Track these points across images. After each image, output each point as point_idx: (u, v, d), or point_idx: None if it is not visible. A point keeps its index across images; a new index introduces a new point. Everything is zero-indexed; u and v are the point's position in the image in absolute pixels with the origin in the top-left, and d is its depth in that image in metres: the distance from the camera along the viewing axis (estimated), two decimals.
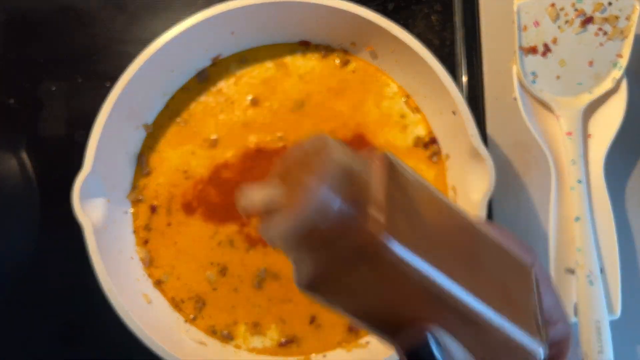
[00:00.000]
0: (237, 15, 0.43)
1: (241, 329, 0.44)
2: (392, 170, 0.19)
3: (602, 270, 0.42)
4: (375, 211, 0.17)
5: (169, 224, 0.45)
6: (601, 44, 0.44)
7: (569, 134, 0.44)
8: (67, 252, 0.47)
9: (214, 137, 0.46)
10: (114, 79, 0.42)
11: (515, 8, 0.44)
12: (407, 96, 0.46)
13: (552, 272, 0.42)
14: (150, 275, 0.45)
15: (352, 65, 0.47)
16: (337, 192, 0.17)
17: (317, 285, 0.18)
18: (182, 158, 0.46)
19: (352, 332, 0.43)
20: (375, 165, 0.19)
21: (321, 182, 0.16)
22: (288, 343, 0.43)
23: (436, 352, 0.16)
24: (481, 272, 0.19)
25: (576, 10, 0.44)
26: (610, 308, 0.41)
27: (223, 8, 0.42)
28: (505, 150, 0.47)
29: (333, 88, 0.47)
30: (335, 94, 0.46)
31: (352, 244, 0.17)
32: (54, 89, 0.51)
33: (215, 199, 0.45)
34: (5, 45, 0.52)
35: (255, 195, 0.18)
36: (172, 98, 0.47)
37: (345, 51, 0.47)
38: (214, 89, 0.47)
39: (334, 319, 0.44)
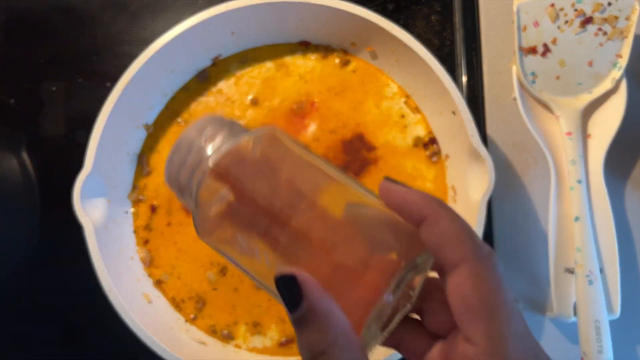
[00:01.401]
0: (238, 16, 0.43)
1: (241, 328, 0.44)
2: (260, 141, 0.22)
3: (601, 270, 0.42)
4: (210, 160, 0.21)
5: (169, 224, 0.45)
6: (601, 44, 0.44)
7: (569, 134, 0.44)
8: (67, 252, 0.47)
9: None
10: (114, 79, 0.42)
11: (514, 8, 0.44)
12: (407, 96, 0.46)
13: (552, 271, 0.42)
14: (150, 275, 0.45)
15: (352, 66, 0.47)
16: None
17: (201, 232, 0.22)
18: None
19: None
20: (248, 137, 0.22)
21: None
22: (288, 343, 0.43)
23: (283, 289, 0.19)
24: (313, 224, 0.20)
25: (576, 10, 0.44)
26: (609, 308, 0.41)
27: (223, 8, 0.42)
28: (505, 150, 0.47)
29: (333, 88, 0.47)
30: (335, 94, 0.47)
31: (199, 189, 0.22)
32: (54, 89, 0.51)
33: None
34: (6, 45, 0.52)
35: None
36: (173, 98, 0.47)
37: (345, 51, 0.47)
38: (214, 89, 0.47)
39: None
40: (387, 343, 0.22)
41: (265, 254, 0.21)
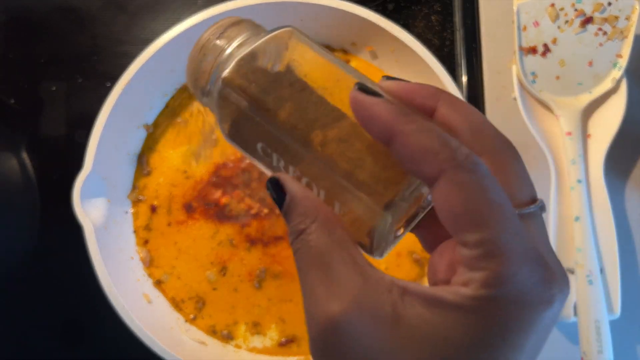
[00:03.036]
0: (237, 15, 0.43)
1: (241, 328, 0.44)
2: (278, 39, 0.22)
3: (601, 270, 0.42)
4: (226, 65, 0.21)
5: (169, 224, 0.45)
6: (601, 44, 0.44)
7: (569, 134, 0.44)
8: (67, 252, 0.47)
9: (213, 137, 0.46)
10: (114, 79, 0.42)
11: (515, 8, 0.44)
12: None
13: None
14: (150, 275, 0.45)
15: (353, 65, 0.47)
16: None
17: (228, 132, 0.22)
18: (182, 158, 0.46)
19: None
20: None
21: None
22: (288, 343, 0.43)
23: (271, 190, 0.21)
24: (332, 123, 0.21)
25: (576, 10, 0.44)
26: (609, 308, 0.41)
27: (223, 8, 0.42)
28: None
29: None
30: None
31: (218, 92, 0.22)
32: (54, 89, 0.51)
33: (216, 198, 0.45)
34: (6, 45, 0.52)
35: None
36: (172, 98, 0.47)
37: (345, 51, 0.47)
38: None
39: None
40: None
41: (287, 166, 0.21)
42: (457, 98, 0.22)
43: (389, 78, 0.22)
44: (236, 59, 0.21)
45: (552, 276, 0.18)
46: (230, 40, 0.22)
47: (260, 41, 0.22)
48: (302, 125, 0.21)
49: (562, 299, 0.18)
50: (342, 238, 0.19)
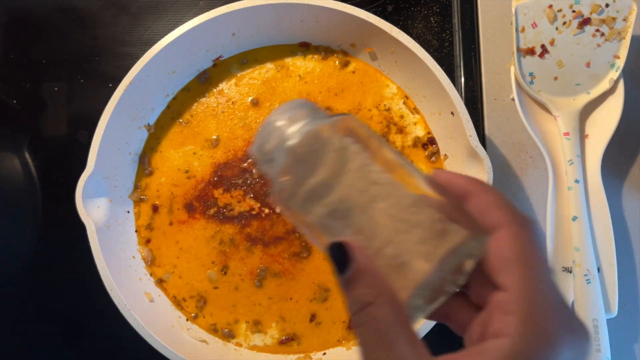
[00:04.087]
0: (238, 17, 0.43)
1: (242, 327, 0.44)
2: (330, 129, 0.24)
3: (599, 269, 0.42)
4: (290, 139, 0.23)
5: (170, 223, 0.46)
6: (598, 45, 0.44)
7: (567, 134, 0.44)
8: (69, 251, 0.47)
9: (215, 137, 0.47)
10: (115, 79, 0.43)
11: (513, 10, 0.44)
12: (406, 97, 0.46)
13: None
14: (152, 274, 0.45)
15: (352, 66, 0.47)
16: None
17: (282, 199, 0.24)
18: (184, 158, 0.47)
19: (352, 330, 0.44)
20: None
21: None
22: (288, 341, 0.44)
23: (333, 254, 0.21)
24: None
25: (574, 11, 0.44)
26: (607, 307, 0.41)
27: (224, 10, 0.43)
28: (503, 150, 0.47)
29: (333, 89, 0.47)
30: (335, 94, 0.47)
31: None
32: (56, 89, 0.51)
33: (217, 198, 0.46)
34: (8, 45, 0.53)
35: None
36: (174, 99, 0.47)
37: (345, 52, 0.48)
38: (215, 90, 0.48)
39: (334, 317, 0.44)
40: (434, 317, 0.24)
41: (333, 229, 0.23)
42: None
43: (437, 169, 0.24)
44: (303, 133, 0.23)
45: (576, 328, 0.20)
46: (293, 120, 0.24)
47: (324, 123, 0.24)
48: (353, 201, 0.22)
49: (578, 340, 0.20)
50: (405, 317, 0.20)
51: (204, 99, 0.47)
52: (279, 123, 0.24)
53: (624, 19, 0.43)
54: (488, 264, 0.21)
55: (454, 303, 0.23)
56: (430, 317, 0.23)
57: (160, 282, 0.45)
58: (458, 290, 0.23)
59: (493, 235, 0.21)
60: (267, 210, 0.45)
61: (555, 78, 0.45)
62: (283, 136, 0.24)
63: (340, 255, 0.21)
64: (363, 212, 0.22)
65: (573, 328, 0.20)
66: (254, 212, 0.45)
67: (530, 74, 0.45)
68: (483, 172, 0.39)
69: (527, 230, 0.21)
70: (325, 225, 0.23)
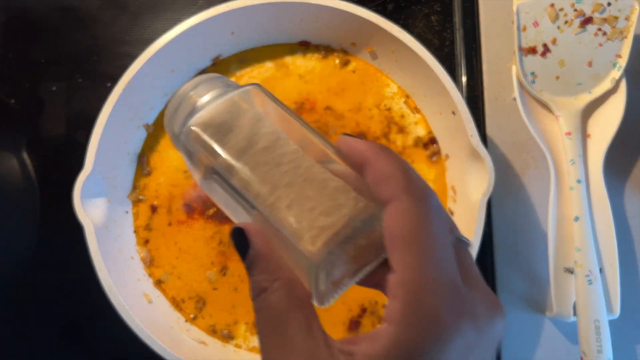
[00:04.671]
0: (238, 16, 0.43)
1: (241, 328, 0.44)
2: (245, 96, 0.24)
3: (601, 270, 0.42)
4: (193, 117, 0.23)
5: (169, 224, 0.46)
6: (600, 45, 0.44)
7: (568, 134, 0.44)
8: (67, 252, 0.47)
9: None
10: (114, 79, 0.42)
11: (514, 8, 0.44)
12: (407, 96, 0.46)
13: (551, 271, 0.42)
14: (150, 275, 0.45)
15: (352, 66, 0.47)
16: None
17: (199, 178, 0.24)
18: (183, 158, 0.46)
19: (352, 332, 0.43)
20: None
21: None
22: None
23: (235, 239, 0.21)
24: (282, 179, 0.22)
25: (575, 10, 0.44)
26: (609, 307, 0.41)
27: (223, 8, 0.42)
28: (505, 150, 0.47)
29: (333, 88, 0.47)
30: (335, 94, 0.47)
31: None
32: (54, 89, 0.51)
33: None
34: (6, 45, 0.53)
35: None
36: None
37: (345, 51, 0.47)
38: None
39: (333, 318, 0.44)
40: (367, 284, 0.23)
41: (245, 206, 0.22)
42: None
43: (345, 134, 0.23)
44: (202, 111, 0.23)
45: (462, 304, 0.18)
46: (202, 94, 0.24)
47: (226, 97, 0.23)
48: (256, 180, 0.22)
49: (474, 325, 0.18)
50: (301, 300, 0.20)
51: None
52: (191, 93, 0.24)
53: (626, 18, 0.43)
54: (383, 239, 0.19)
55: (385, 272, 0.22)
56: (362, 284, 0.23)
57: (159, 283, 0.45)
58: (369, 268, 0.22)
59: (385, 209, 0.19)
60: None
61: (557, 77, 0.45)
62: (194, 106, 0.23)
63: (243, 240, 0.21)
64: (267, 182, 0.21)
65: (469, 312, 0.18)
66: None
67: (532, 73, 0.45)
68: (484, 171, 0.39)
69: (420, 203, 0.19)
70: (230, 204, 0.23)
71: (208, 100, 0.24)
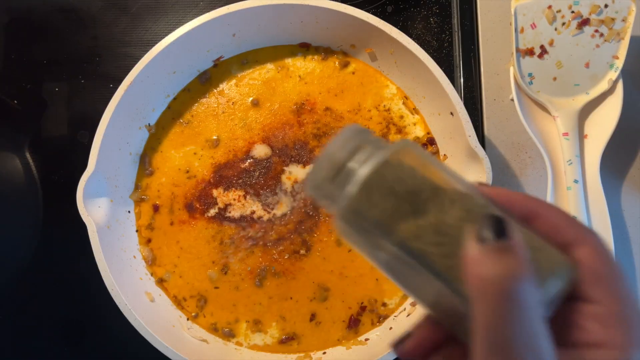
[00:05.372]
0: (239, 18, 0.43)
1: (242, 326, 0.44)
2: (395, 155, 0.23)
3: None
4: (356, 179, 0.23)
5: (171, 223, 0.46)
6: (597, 46, 0.44)
7: (566, 134, 0.44)
8: (70, 251, 0.47)
9: (215, 137, 0.47)
10: (116, 80, 0.43)
11: (512, 10, 0.44)
12: (406, 97, 0.47)
13: None
14: (152, 274, 0.45)
15: (352, 67, 0.48)
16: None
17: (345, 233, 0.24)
18: (185, 158, 0.47)
19: (352, 330, 0.44)
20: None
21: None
22: (288, 340, 0.44)
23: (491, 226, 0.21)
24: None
25: (573, 12, 0.44)
26: None
27: (225, 10, 0.43)
28: (503, 150, 0.48)
29: (333, 89, 0.47)
30: (335, 95, 0.47)
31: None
32: (57, 89, 0.51)
33: (217, 198, 0.46)
34: (8, 46, 0.53)
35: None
36: (175, 99, 0.48)
37: (345, 53, 0.48)
38: (215, 90, 0.48)
39: (334, 317, 0.44)
40: None
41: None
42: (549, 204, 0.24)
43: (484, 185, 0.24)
44: (363, 179, 0.22)
45: None
46: (353, 153, 0.23)
47: (384, 159, 0.23)
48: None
49: None
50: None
51: (204, 99, 0.48)
52: (342, 154, 0.23)
53: (623, 20, 0.43)
54: (582, 274, 0.21)
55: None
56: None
57: (160, 281, 0.45)
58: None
59: (577, 249, 0.21)
60: (267, 212, 0.45)
61: (554, 78, 0.45)
62: (351, 168, 0.23)
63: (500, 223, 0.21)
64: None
65: None
66: (254, 213, 0.45)
67: (530, 75, 0.45)
68: (482, 172, 0.39)
69: (604, 244, 0.22)
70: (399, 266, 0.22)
71: (364, 160, 0.23)
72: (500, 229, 0.20)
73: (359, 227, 0.23)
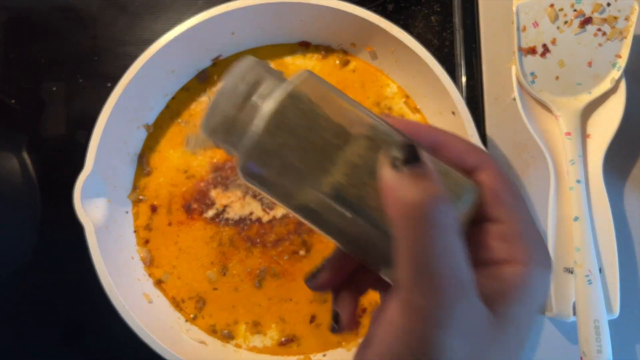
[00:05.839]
0: (238, 16, 0.43)
1: (241, 328, 0.44)
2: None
3: (600, 270, 0.42)
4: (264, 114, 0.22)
5: (169, 224, 0.46)
6: (600, 45, 0.44)
7: (568, 134, 0.44)
8: (68, 252, 0.47)
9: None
10: (114, 79, 0.42)
11: (514, 9, 0.44)
12: (407, 96, 0.46)
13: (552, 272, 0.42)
14: (151, 275, 0.45)
15: (352, 66, 0.47)
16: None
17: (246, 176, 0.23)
18: (183, 158, 0.46)
19: (352, 331, 0.43)
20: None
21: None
22: (288, 342, 0.44)
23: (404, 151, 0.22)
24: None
25: (575, 11, 0.44)
26: (609, 307, 0.41)
27: (223, 9, 0.42)
28: (505, 150, 0.47)
29: None
30: None
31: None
32: (55, 89, 0.51)
33: (216, 199, 0.46)
34: (6, 45, 0.53)
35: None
36: (173, 98, 0.47)
37: (345, 51, 0.47)
38: (214, 90, 0.47)
39: None
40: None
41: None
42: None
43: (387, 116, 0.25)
44: (266, 120, 0.21)
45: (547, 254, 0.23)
46: (255, 87, 0.22)
47: (286, 93, 0.22)
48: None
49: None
50: None
51: (203, 98, 0.47)
52: (241, 88, 0.22)
53: (626, 18, 0.43)
54: (484, 197, 0.23)
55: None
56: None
57: (159, 282, 0.45)
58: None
59: (480, 172, 0.23)
60: (266, 212, 0.45)
61: (557, 77, 0.45)
62: (254, 103, 0.22)
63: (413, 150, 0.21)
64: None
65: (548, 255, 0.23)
66: (253, 213, 0.45)
67: (532, 74, 0.45)
68: None
69: (502, 169, 0.23)
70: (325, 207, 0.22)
71: (265, 97, 0.22)
72: (413, 155, 0.20)
73: (267, 169, 0.22)
